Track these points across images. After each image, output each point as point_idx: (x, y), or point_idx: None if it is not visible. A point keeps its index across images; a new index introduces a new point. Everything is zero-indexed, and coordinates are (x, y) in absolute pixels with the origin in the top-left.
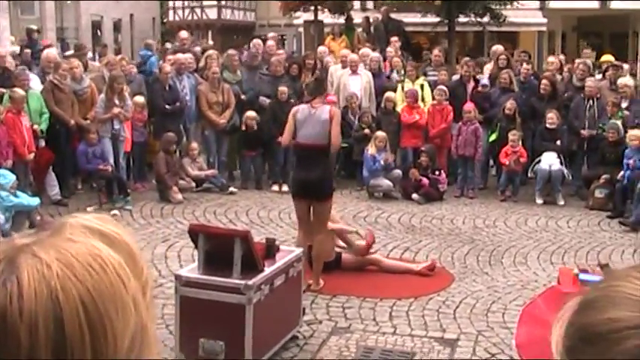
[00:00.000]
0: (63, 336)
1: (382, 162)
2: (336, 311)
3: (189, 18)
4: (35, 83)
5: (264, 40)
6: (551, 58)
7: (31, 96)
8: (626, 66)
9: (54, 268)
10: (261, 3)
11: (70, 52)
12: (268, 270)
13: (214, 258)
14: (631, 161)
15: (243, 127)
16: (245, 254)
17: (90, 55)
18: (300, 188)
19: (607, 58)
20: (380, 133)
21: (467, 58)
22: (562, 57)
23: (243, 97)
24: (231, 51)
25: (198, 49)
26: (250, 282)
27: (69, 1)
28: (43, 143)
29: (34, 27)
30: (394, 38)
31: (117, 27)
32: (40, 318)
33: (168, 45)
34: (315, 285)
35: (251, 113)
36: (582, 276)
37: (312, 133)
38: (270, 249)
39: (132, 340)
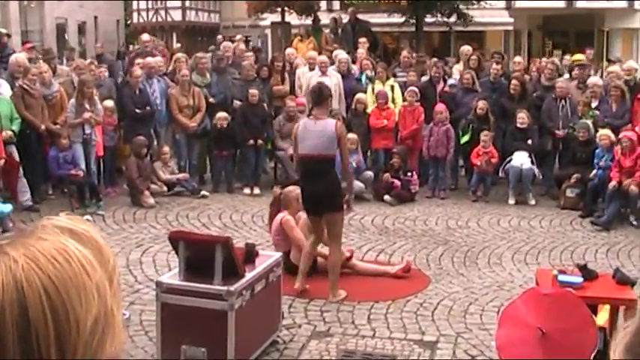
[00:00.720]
0: (27, 320)
1: (354, 164)
2: (314, 315)
3: (154, 20)
4: (5, 88)
5: (232, 42)
6: (517, 58)
7: (0, 101)
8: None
9: (20, 262)
10: (226, 4)
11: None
12: (249, 275)
13: (195, 264)
14: (602, 161)
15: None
16: (226, 260)
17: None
18: (312, 204)
19: (578, 57)
20: (351, 135)
21: (435, 59)
22: (537, 60)
23: (211, 100)
24: (199, 54)
25: (157, 52)
26: (232, 288)
27: (33, 5)
28: (13, 149)
29: (4, 30)
30: (362, 39)
31: (81, 30)
32: (7, 305)
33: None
34: (333, 297)
35: (222, 114)
36: (561, 277)
37: (316, 144)
38: (250, 254)
39: (95, 322)
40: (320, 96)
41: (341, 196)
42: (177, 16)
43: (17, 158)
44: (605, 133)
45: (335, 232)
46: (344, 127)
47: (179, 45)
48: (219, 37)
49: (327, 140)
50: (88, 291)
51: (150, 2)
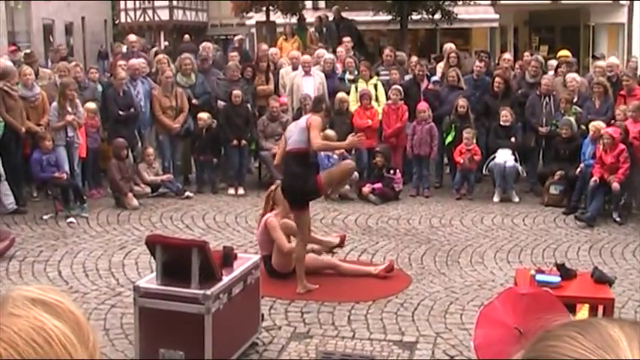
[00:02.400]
0: None
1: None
2: (294, 316)
3: (141, 19)
4: None
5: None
6: (506, 55)
7: None
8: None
9: None
10: (213, 3)
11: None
12: (226, 279)
13: (172, 268)
14: (587, 153)
15: (197, 129)
16: (203, 264)
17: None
18: (284, 192)
19: (564, 53)
20: (328, 132)
21: (415, 58)
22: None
23: (194, 101)
24: (183, 55)
25: (155, 49)
26: (209, 292)
27: (19, 6)
28: None
29: None
30: (346, 39)
31: (68, 30)
32: None
33: (123, 49)
34: (302, 289)
35: (203, 115)
36: (539, 277)
37: (292, 140)
38: (228, 257)
39: None
40: (318, 106)
41: (304, 193)
42: (164, 15)
43: None
44: (594, 124)
45: (298, 227)
46: (317, 118)
47: (167, 43)
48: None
49: (298, 134)
50: None
51: (137, 2)
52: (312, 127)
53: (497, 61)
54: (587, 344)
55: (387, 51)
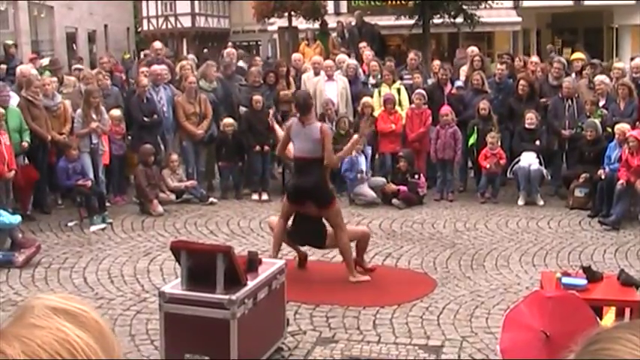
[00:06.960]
0: None
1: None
2: (319, 321)
3: (164, 27)
4: (14, 100)
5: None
6: (533, 58)
7: (10, 113)
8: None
9: None
10: (235, 9)
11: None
12: (251, 284)
13: (197, 274)
14: (612, 158)
15: (221, 136)
16: (228, 269)
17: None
18: (295, 192)
19: (578, 55)
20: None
21: (437, 62)
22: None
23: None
24: (210, 62)
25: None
26: (234, 297)
27: (43, 15)
28: (26, 160)
29: (11, 42)
30: (363, 44)
31: (91, 38)
32: None
33: (147, 52)
34: (353, 277)
35: (228, 120)
36: (565, 280)
37: (305, 148)
38: (253, 262)
39: None
40: (304, 107)
41: (329, 192)
42: (186, 22)
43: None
44: (619, 127)
45: (336, 222)
46: (329, 130)
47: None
48: (230, 44)
49: (313, 145)
50: None
51: (159, 9)
52: (329, 142)
53: (522, 63)
54: None
55: (411, 55)
